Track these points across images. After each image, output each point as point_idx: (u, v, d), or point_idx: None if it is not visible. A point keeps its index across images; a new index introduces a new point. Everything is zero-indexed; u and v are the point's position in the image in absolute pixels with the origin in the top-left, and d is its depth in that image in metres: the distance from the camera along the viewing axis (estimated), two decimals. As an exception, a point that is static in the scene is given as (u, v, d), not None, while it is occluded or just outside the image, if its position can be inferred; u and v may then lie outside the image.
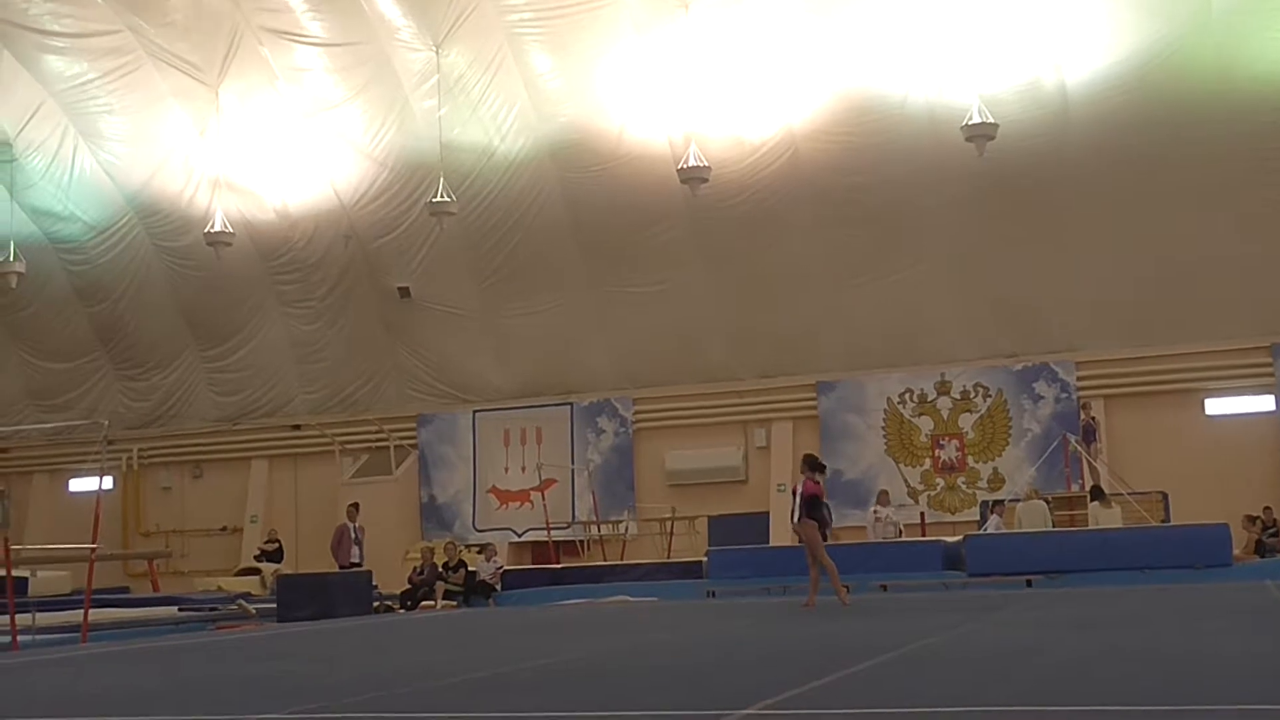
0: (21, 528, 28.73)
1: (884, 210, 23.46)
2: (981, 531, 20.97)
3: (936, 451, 24.79)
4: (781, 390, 25.79)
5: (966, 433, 24.63)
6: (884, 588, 18.77)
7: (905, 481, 24.67)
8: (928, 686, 6.70)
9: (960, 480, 24.57)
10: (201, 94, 25.05)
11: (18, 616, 15.49)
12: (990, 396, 24.54)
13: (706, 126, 22.86)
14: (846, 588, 15.66)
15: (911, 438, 24.90)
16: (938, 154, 22.43)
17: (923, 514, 24.31)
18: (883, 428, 25.08)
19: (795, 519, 15.17)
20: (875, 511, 22.31)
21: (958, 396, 24.76)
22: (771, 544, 23.11)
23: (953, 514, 24.30)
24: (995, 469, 24.37)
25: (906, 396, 25.02)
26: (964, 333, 24.47)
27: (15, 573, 17.32)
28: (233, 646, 13.26)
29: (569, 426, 26.96)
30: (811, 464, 15.34)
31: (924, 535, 23.07)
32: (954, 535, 21.43)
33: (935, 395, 24.89)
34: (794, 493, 15.61)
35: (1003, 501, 21.92)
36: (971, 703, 5.93)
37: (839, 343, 25.13)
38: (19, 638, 14.95)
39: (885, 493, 23.02)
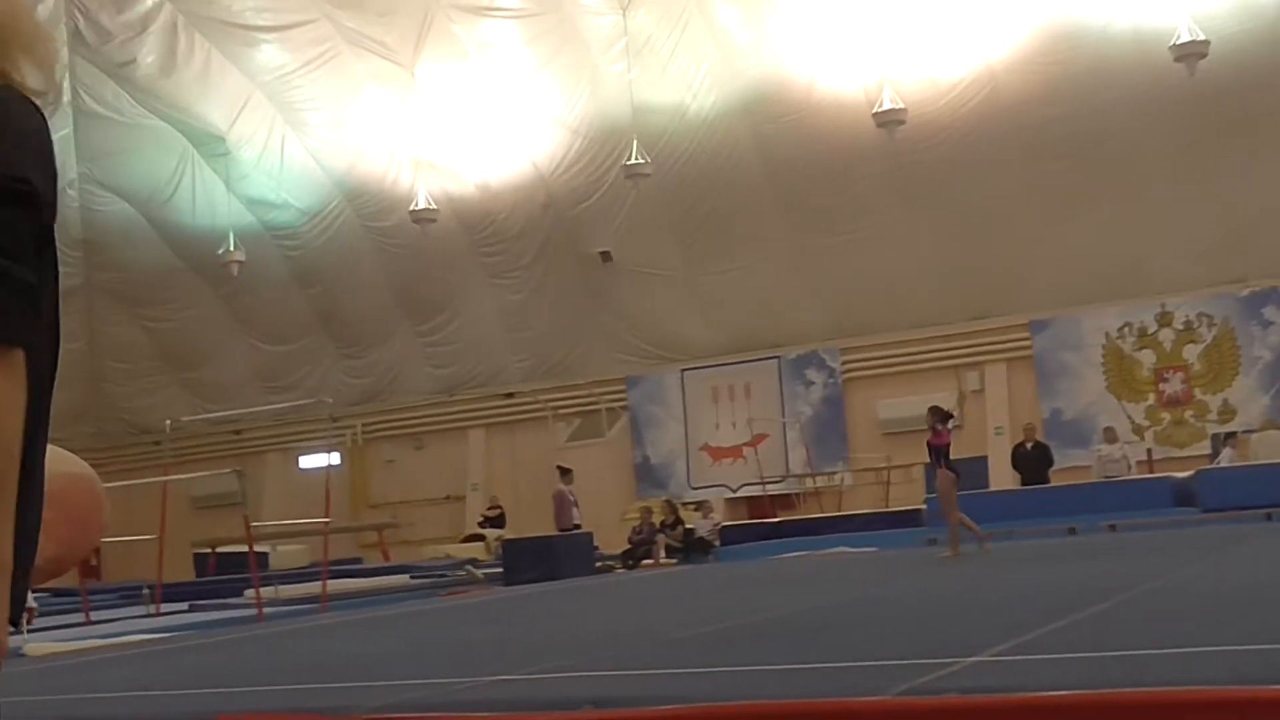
0: (259, 505, 29.89)
1: (1091, 139, 22.71)
2: (1214, 465, 20.25)
3: (1160, 386, 23.96)
4: (993, 331, 25.23)
5: (1192, 364, 23.73)
6: (1112, 528, 18.29)
7: (1129, 418, 23.88)
8: (1163, 627, 6.50)
9: (1188, 414, 23.70)
10: (398, 75, 25.64)
11: (262, 590, 16.21)
12: (1215, 325, 23.57)
13: (899, 69, 22.45)
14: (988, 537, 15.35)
15: (1133, 373, 24.11)
16: (1146, 77, 21.58)
17: (1149, 450, 23.53)
18: (1101, 364, 24.34)
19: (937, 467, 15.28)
20: (1099, 450, 21.73)
21: (1180, 327, 23.87)
22: (991, 489, 22.70)
23: (1181, 449, 23.48)
24: (1225, 400, 23.42)
25: (1125, 330, 24.22)
26: (1184, 261, 23.53)
27: (256, 548, 18.09)
28: (466, 610, 13.63)
29: (777, 380, 26.87)
30: (936, 414, 15.33)
31: (1151, 472, 22.36)
32: (1184, 471, 20.75)
33: (1156, 327, 24.02)
34: (927, 445, 15.57)
35: (1235, 433, 21.11)
36: (1208, 643, 5.73)
37: (1050, 279, 24.45)
38: (264, 609, 15.65)
39: (1111, 429, 22.31)
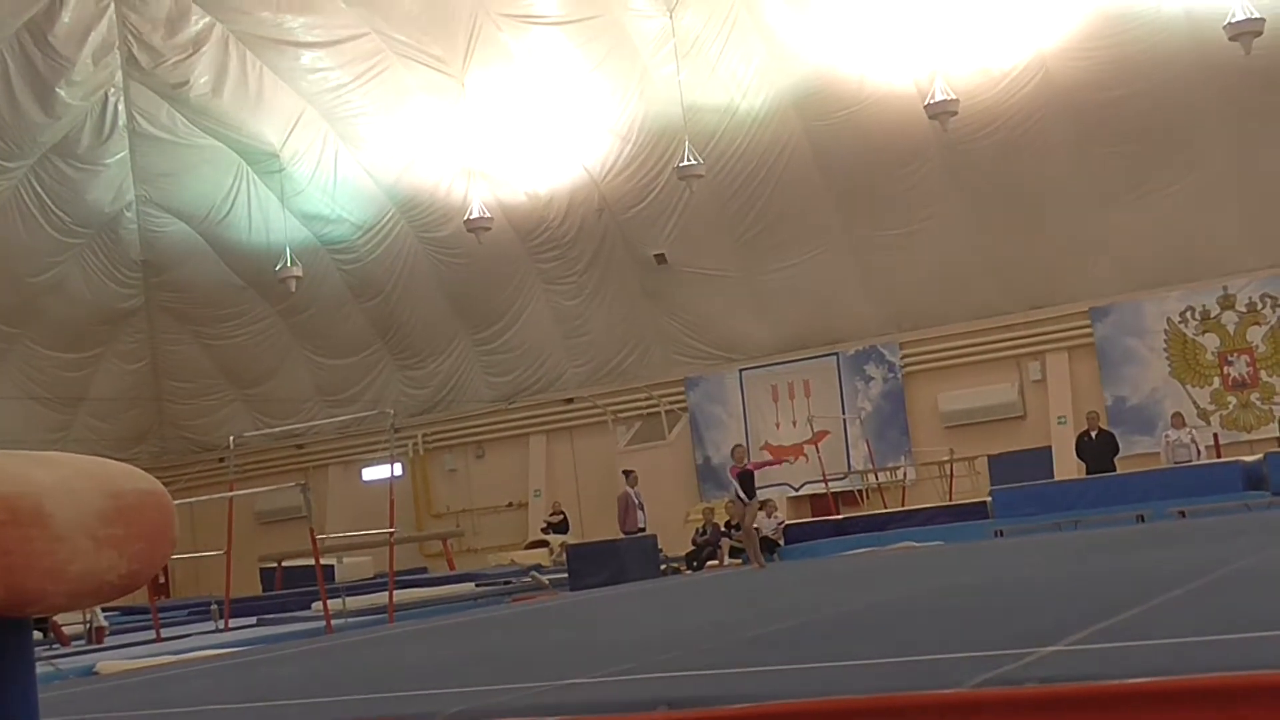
0: (323, 518, 30.10)
1: (1147, 122, 22.47)
2: (1283, 448, 19.96)
3: (1225, 369, 23.67)
4: (1053, 320, 25.04)
5: (1257, 346, 23.43)
6: (1182, 514, 18.05)
7: (1194, 403, 23.62)
8: (1243, 611, 6.38)
9: (1254, 397, 23.40)
10: (448, 86, 25.76)
11: (329, 602, 16.29)
12: (1279, 307, 23.27)
13: (950, 60, 22.31)
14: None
15: (1197, 357, 23.82)
16: (1200, 57, 21.35)
17: (1216, 435, 23.27)
18: (1164, 349, 24.08)
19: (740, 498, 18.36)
20: (1167, 436, 21.49)
21: (1243, 309, 23.56)
22: (1056, 478, 22.50)
23: (1248, 432, 23.20)
24: (1291, 382, 23.13)
25: (1188, 315, 23.94)
26: (1245, 242, 23.24)
27: (323, 561, 18.19)
28: (533, 616, 13.64)
29: (836, 377, 26.77)
30: (734, 453, 18.89)
31: (1219, 456, 22.09)
32: (1252, 454, 20.46)
33: (1219, 310, 23.74)
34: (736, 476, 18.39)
35: (1303, 415, 20.82)
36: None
37: (1110, 266, 24.23)
38: (332, 621, 15.73)
39: (1179, 415, 22.10)
